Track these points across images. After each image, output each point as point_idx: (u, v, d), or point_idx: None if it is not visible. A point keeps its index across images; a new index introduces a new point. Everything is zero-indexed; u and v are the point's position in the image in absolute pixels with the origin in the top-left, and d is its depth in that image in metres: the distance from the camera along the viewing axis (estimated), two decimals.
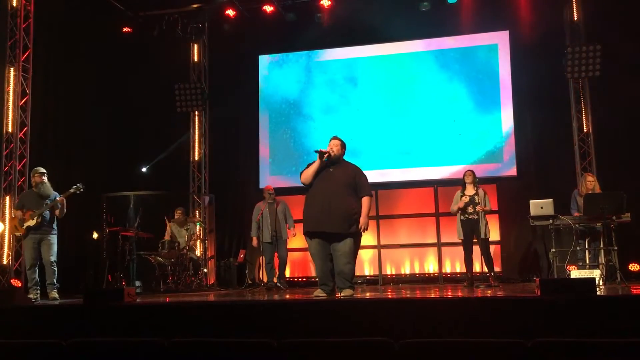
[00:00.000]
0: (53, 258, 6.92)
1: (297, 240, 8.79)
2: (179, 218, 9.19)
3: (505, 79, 9.78)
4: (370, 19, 9.74)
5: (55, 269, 6.94)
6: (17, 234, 7.05)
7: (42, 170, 7.11)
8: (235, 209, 10.64)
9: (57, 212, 7.00)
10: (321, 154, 5.47)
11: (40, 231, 6.90)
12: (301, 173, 5.59)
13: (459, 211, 7.46)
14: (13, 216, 7.10)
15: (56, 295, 6.84)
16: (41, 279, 7.00)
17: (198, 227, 9.81)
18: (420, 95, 10.10)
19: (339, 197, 5.33)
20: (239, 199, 10.64)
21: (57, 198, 6.98)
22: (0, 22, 8.76)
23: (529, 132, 9.63)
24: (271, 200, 8.39)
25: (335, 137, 5.64)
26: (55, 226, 7.08)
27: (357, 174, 5.52)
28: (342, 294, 5.30)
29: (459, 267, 9.53)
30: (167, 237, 8.95)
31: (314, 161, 5.55)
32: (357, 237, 5.45)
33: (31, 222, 6.85)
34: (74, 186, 7.04)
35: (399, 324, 3.90)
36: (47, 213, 6.95)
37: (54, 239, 6.99)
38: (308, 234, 5.47)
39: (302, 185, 5.64)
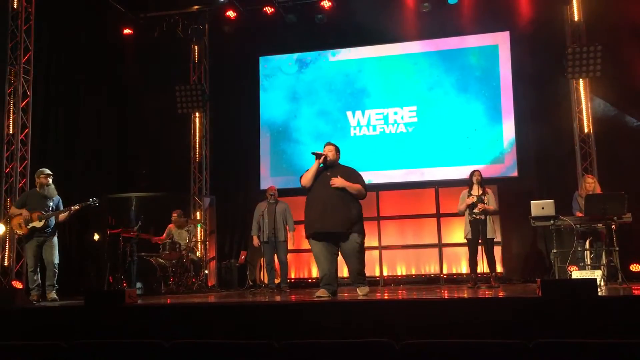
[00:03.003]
0: (56, 260, 6.96)
1: (298, 241, 8.79)
2: (177, 220, 9.17)
3: (506, 79, 9.78)
4: (370, 20, 9.73)
5: (57, 270, 6.96)
6: (20, 232, 6.97)
7: (48, 171, 7.13)
8: (236, 210, 10.64)
9: (62, 216, 7.04)
10: (318, 155, 5.70)
11: (45, 234, 6.94)
12: (301, 177, 5.79)
13: (467, 210, 7.40)
14: (16, 214, 6.98)
15: (55, 296, 6.84)
16: (42, 281, 7.01)
17: (199, 228, 9.81)
18: (419, 96, 10.10)
19: (339, 199, 5.54)
20: (240, 200, 10.64)
21: (73, 207, 7.02)
22: (1, 24, 8.77)
23: (530, 132, 9.62)
24: (272, 200, 8.39)
25: (329, 143, 5.86)
26: (55, 228, 7.11)
27: (352, 175, 5.75)
28: (360, 292, 5.63)
29: (460, 268, 9.53)
30: (163, 237, 8.96)
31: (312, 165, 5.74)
32: (361, 236, 5.66)
33: (38, 224, 6.89)
34: (91, 199, 7.14)
35: (400, 325, 3.90)
36: (53, 217, 6.99)
37: (55, 240, 7.04)
38: (311, 236, 5.62)
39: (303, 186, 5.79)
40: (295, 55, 10.73)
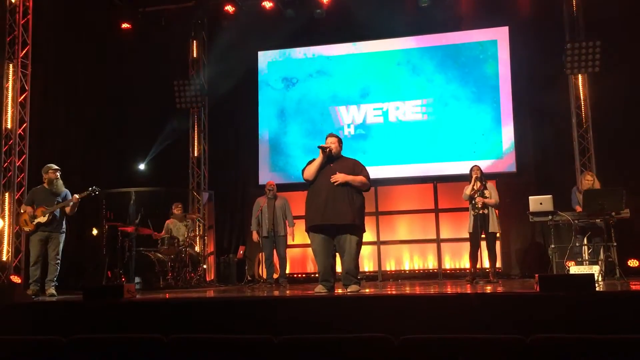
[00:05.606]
0: (58, 257, 6.96)
1: (296, 236, 8.79)
2: (178, 214, 9.17)
3: (504, 75, 9.76)
4: (369, 15, 9.72)
5: (59, 267, 6.97)
6: (26, 229, 6.99)
7: (56, 167, 7.12)
8: (234, 205, 10.64)
9: (68, 209, 7.04)
10: (324, 149, 5.54)
11: (50, 228, 6.93)
12: (303, 170, 5.66)
13: (471, 204, 7.44)
14: (23, 211, 7.05)
15: (54, 292, 6.84)
16: (42, 275, 7.00)
17: (197, 223, 9.80)
18: (418, 91, 10.09)
19: (342, 191, 5.40)
20: (239, 196, 10.64)
21: (73, 196, 6.98)
22: None
23: (528, 128, 9.63)
24: (271, 195, 8.39)
25: (331, 134, 5.73)
26: (64, 224, 7.09)
27: (356, 166, 5.62)
28: (348, 290, 5.40)
29: (459, 263, 9.55)
30: (164, 234, 8.97)
31: (314, 158, 5.62)
32: (360, 233, 5.54)
33: (42, 219, 6.86)
34: (90, 188, 7.07)
35: (399, 320, 3.90)
36: (58, 211, 6.97)
37: (61, 237, 7.03)
38: (312, 229, 5.50)
39: (302, 181, 5.70)
40: (292, 51, 10.69)
